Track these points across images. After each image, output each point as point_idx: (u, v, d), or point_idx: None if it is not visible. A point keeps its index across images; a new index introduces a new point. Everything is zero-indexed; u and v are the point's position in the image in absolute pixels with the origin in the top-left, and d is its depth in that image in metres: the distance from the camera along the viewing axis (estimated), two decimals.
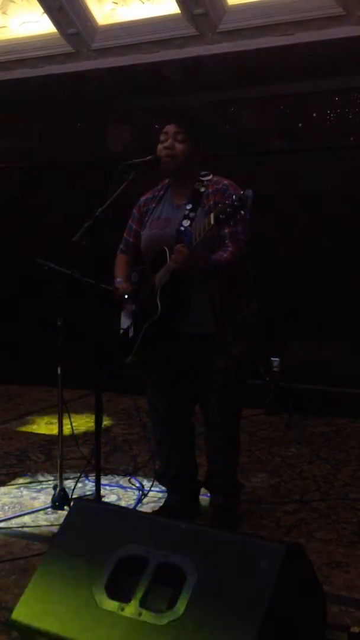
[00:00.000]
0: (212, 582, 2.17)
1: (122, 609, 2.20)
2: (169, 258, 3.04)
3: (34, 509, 3.60)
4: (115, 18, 5.85)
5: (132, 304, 3.28)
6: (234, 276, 3.12)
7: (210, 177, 3.22)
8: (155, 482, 3.65)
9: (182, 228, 3.11)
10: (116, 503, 3.62)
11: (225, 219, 2.82)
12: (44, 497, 3.74)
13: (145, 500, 3.71)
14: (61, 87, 6.12)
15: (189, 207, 3.15)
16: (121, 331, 3.31)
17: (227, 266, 3.04)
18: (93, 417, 3.08)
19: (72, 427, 3.75)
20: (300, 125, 5.38)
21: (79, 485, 3.67)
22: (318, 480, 3.99)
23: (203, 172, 3.23)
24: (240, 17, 5.39)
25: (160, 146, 3.18)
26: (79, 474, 3.69)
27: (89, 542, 2.42)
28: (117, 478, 4.04)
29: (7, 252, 6.29)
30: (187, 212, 3.14)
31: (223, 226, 2.97)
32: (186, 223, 3.12)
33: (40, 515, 3.54)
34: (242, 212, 2.78)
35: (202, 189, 3.17)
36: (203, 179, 3.21)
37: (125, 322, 3.31)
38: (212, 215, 2.85)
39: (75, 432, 3.89)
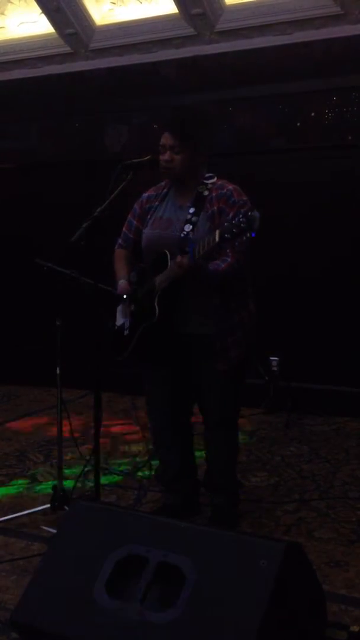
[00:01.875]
0: (212, 581, 2.17)
1: (122, 609, 2.20)
2: (170, 262, 3.04)
3: (34, 509, 3.60)
4: (113, 18, 5.85)
5: (131, 304, 3.27)
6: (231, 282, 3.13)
7: (214, 180, 3.19)
8: (155, 482, 3.65)
9: (184, 234, 3.10)
10: (115, 503, 3.62)
11: (230, 239, 2.77)
12: (43, 498, 3.74)
13: (144, 500, 3.72)
14: (59, 87, 6.11)
15: (191, 210, 3.14)
16: (115, 327, 3.31)
17: (225, 278, 3.05)
18: (92, 417, 3.08)
19: (71, 427, 3.75)
20: (298, 124, 5.38)
21: (78, 485, 3.66)
22: (317, 479, 3.99)
23: (207, 175, 3.20)
24: (238, 17, 5.39)
25: (160, 157, 3.17)
26: (78, 474, 3.69)
27: (88, 542, 2.42)
28: (117, 478, 4.04)
29: (6, 252, 6.28)
30: (189, 216, 3.13)
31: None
32: (188, 228, 3.11)
33: (40, 515, 3.54)
34: (248, 235, 2.72)
35: (206, 193, 3.15)
36: (207, 182, 3.18)
37: (120, 319, 3.30)
38: (217, 233, 2.80)
39: (75, 432, 3.88)
